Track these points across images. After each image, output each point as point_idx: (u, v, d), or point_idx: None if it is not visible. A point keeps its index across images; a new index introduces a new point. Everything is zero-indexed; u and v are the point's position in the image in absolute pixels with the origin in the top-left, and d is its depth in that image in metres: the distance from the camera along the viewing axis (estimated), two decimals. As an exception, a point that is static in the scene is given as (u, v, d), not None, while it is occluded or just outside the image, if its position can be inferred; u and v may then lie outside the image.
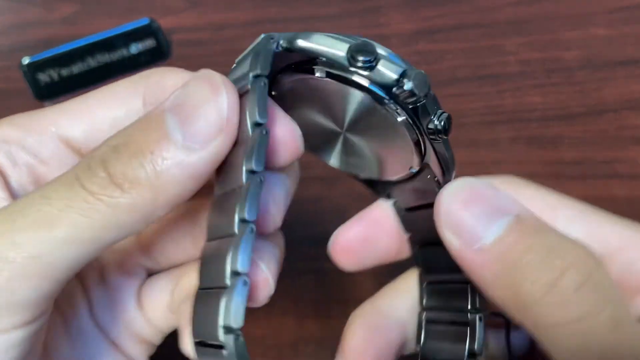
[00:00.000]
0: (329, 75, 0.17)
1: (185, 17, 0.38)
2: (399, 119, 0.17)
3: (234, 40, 0.37)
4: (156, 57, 0.35)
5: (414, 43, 0.34)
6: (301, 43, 0.17)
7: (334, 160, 0.21)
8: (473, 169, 0.31)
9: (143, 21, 0.35)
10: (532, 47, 0.33)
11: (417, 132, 0.17)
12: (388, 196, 0.21)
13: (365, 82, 0.17)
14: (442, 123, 0.17)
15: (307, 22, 0.36)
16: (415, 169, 0.19)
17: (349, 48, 0.16)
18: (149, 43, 0.35)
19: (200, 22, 0.38)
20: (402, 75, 0.16)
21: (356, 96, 0.17)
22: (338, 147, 0.20)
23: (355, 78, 0.17)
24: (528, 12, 0.34)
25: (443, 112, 0.17)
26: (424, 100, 0.17)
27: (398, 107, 0.17)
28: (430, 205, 0.18)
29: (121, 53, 0.35)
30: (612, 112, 0.31)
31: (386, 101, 0.17)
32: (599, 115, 0.31)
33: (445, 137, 0.17)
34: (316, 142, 0.20)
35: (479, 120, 0.32)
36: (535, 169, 0.30)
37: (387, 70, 0.16)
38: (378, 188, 0.21)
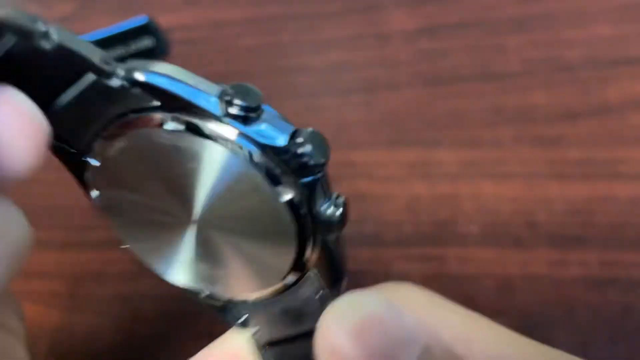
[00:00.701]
0: (189, 128, 0.12)
1: (184, 15, 0.37)
2: (283, 198, 0.12)
3: (233, 38, 0.36)
4: (155, 55, 0.35)
5: (415, 41, 0.34)
6: (151, 77, 0.12)
7: (177, 273, 0.15)
8: (475, 168, 0.30)
9: (142, 19, 0.35)
10: (535, 46, 0.33)
11: (304, 220, 0.12)
12: (244, 323, 0.16)
13: (243, 141, 0.12)
14: (340, 211, 0.13)
15: (307, 20, 0.36)
16: (292, 279, 0.14)
17: (223, 91, 0.12)
18: (147, 41, 0.35)
19: (198, 20, 0.37)
20: (294, 134, 0.12)
21: (222, 163, 0.12)
22: (184, 248, 0.14)
23: (228, 133, 0.12)
24: (531, 10, 0.33)
25: (339, 196, 0.13)
26: (321, 174, 0.12)
27: (283, 182, 0.12)
28: (305, 336, 0.14)
29: (120, 51, 0.34)
30: (616, 111, 0.30)
31: (273, 171, 0.12)
32: (602, 115, 0.30)
33: (340, 231, 0.13)
34: (150, 242, 0.14)
35: (482, 119, 0.31)
36: (538, 169, 0.30)
37: (276, 126, 0.12)
38: (230, 311, 0.16)
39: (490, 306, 0.28)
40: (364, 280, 0.28)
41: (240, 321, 0.16)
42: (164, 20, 0.36)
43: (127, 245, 0.15)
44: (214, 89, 0.12)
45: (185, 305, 0.30)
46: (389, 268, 0.29)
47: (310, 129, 0.12)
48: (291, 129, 0.12)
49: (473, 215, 0.30)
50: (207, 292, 0.15)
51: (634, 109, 0.30)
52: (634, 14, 0.32)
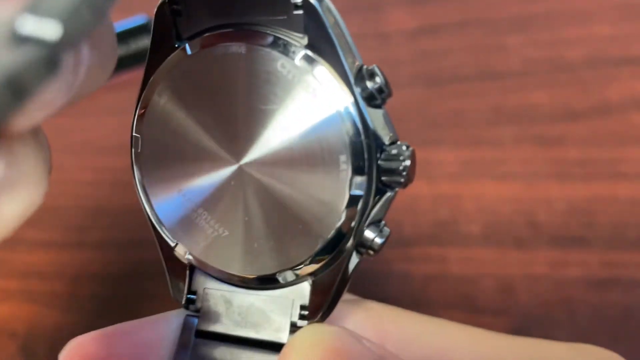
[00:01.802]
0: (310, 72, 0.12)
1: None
2: (354, 191, 0.12)
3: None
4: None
5: (415, 41, 0.34)
6: (320, 8, 0.12)
7: (167, 199, 0.14)
8: (476, 168, 0.30)
9: (141, 19, 0.35)
10: (536, 45, 0.32)
11: (349, 229, 0.12)
12: (187, 304, 0.15)
13: (355, 116, 0.12)
14: (382, 241, 0.13)
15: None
16: (283, 278, 0.13)
17: (368, 68, 0.12)
18: (147, 41, 0.35)
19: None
20: (397, 142, 0.13)
21: (322, 120, 0.12)
22: (202, 180, 0.14)
23: (348, 100, 0.12)
24: (531, 10, 0.33)
25: (386, 225, 0.13)
26: (395, 192, 0.13)
27: (358, 175, 0.12)
28: (245, 343, 0.14)
29: (119, 51, 0.34)
30: (617, 111, 0.30)
31: (361, 161, 0.12)
32: (603, 115, 0.30)
33: (372, 256, 0.13)
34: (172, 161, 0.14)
35: (483, 119, 0.31)
36: (539, 169, 0.30)
37: (388, 124, 0.13)
38: (188, 278, 0.15)
39: (490, 306, 0.28)
40: (364, 280, 0.28)
41: (184, 299, 0.15)
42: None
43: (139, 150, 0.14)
44: (359, 57, 0.12)
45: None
46: (389, 268, 0.29)
47: (412, 148, 0.12)
48: (396, 136, 0.12)
49: (473, 215, 0.29)
50: (190, 244, 0.14)
51: (635, 109, 0.30)
52: (635, 13, 0.32)
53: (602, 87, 0.31)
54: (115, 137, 0.36)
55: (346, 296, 0.17)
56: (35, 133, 0.10)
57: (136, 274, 0.31)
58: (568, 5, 0.33)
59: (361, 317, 0.15)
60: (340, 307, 0.14)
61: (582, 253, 0.28)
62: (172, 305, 0.31)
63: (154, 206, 0.15)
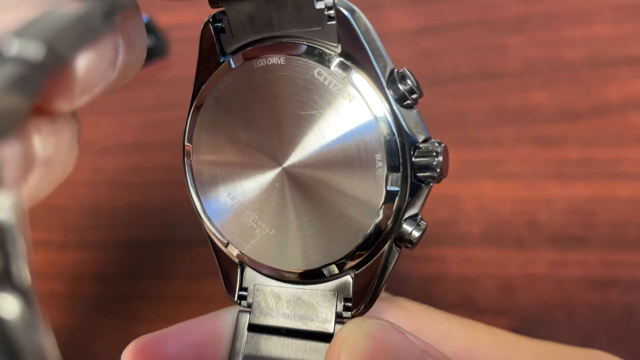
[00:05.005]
0: (343, 66, 0.13)
1: (184, 13, 0.37)
2: (390, 187, 0.13)
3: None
4: (154, 55, 0.35)
5: (416, 40, 0.34)
6: (352, 17, 0.13)
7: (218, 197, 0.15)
8: (476, 168, 0.30)
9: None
10: (536, 45, 0.32)
11: (385, 223, 0.13)
12: (239, 300, 0.16)
13: (389, 116, 0.13)
14: (419, 234, 0.13)
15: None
16: (328, 272, 0.14)
17: (399, 71, 0.13)
18: (147, 41, 0.35)
19: (199, 19, 0.37)
20: (429, 140, 0.13)
21: (358, 123, 0.13)
22: (253, 184, 0.15)
23: (381, 102, 0.13)
24: (531, 10, 0.33)
25: (422, 219, 0.14)
26: (430, 187, 0.13)
27: (393, 172, 0.13)
28: (295, 334, 0.14)
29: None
30: (617, 111, 0.30)
31: (395, 158, 0.13)
32: (603, 115, 0.30)
33: (410, 248, 0.14)
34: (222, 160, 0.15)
35: (483, 119, 0.31)
36: (539, 169, 0.30)
37: (420, 123, 0.13)
38: (237, 273, 0.16)
39: (490, 307, 0.28)
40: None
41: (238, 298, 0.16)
42: (163, 19, 0.36)
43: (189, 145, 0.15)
44: (390, 61, 0.13)
45: (185, 305, 0.30)
46: (389, 268, 0.29)
47: (444, 144, 0.13)
48: (429, 133, 0.13)
49: (473, 216, 0.29)
50: (239, 243, 0.15)
51: (635, 109, 0.30)
52: (635, 13, 0.32)
53: (602, 87, 0.31)
54: (114, 137, 0.36)
55: (381, 294, 0.18)
56: (74, 113, 0.11)
57: (136, 274, 0.31)
58: (568, 5, 0.33)
59: (398, 314, 0.16)
60: (377, 305, 0.15)
61: (582, 253, 0.28)
62: (171, 305, 0.31)
63: (206, 209, 0.16)
